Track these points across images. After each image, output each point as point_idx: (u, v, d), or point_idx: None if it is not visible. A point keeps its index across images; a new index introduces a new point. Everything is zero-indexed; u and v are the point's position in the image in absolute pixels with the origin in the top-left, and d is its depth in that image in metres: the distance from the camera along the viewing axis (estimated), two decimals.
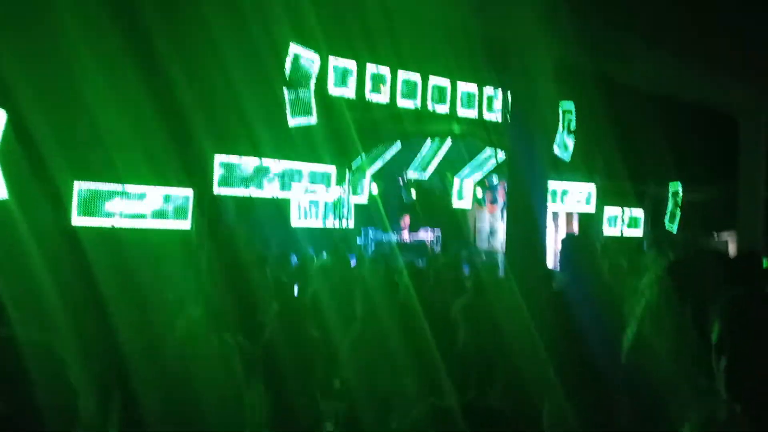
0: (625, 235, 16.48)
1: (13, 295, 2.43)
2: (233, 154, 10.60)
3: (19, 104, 7.73)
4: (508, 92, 6.22)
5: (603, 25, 5.91)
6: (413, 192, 14.73)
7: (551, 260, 8.75)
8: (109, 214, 9.58)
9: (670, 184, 16.78)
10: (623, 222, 16.71)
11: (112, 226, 9.54)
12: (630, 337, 2.74)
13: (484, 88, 13.84)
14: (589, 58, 6.98)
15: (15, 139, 7.96)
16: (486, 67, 10.32)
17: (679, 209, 16.75)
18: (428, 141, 13.53)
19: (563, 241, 3.89)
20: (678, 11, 6.21)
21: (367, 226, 13.27)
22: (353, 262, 8.95)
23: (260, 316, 2.64)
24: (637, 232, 16.95)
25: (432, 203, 15.07)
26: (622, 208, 16.62)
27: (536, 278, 4.97)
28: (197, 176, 10.22)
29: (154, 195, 9.97)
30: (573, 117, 14.52)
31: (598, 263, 4.21)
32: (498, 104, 14.04)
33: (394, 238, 13.45)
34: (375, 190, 13.23)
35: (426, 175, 14.49)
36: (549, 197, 8.35)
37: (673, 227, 16.75)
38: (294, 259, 9.52)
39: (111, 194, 9.61)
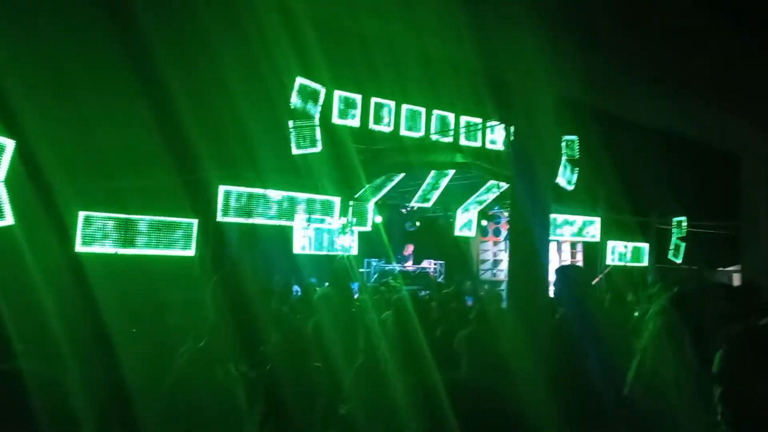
0: (629, 266, 16.44)
1: (16, 323, 2.44)
2: (238, 184, 10.69)
3: (27, 134, 7.84)
4: (511, 127, 6.28)
5: (605, 63, 5.99)
6: (417, 222, 14.78)
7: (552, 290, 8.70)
8: (113, 243, 9.63)
9: (675, 217, 16.80)
10: (627, 254, 16.69)
11: (116, 253, 9.58)
12: (634, 368, 2.74)
13: (487, 122, 14.00)
14: (591, 95, 7.06)
15: (22, 167, 8.06)
16: (489, 103, 10.46)
17: (683, 242, 16.75)
18: (431, 171, 13.63)
19: (556, 271, 3.84)
20: (680, 49, 6.30)
21: (370, 255, 13.29)
22: (356, 291, 8.93)
23: (264, 346, 2.64)
24: (642, 264, 16.91)
25: (435, 233, 15.09)
26: (626, 240, 16.60)
27: (538, 308, 4.97)
28: (202, 205, 10.29)
29: (159, 224, 10.03)
30: (576, 149, 14.61)
31: (593, 292, 4.20)
32: (500, 136, 14.19)
33: (397, 267, 13.45)
34: (378, 220, 13.28)
35: (429, 205, 14.54)
36: (552, 228, 8.36)
37: (677, 260, 16.72)
38: (296, 288, 9.52)
39: (116, 223, 9.66)
